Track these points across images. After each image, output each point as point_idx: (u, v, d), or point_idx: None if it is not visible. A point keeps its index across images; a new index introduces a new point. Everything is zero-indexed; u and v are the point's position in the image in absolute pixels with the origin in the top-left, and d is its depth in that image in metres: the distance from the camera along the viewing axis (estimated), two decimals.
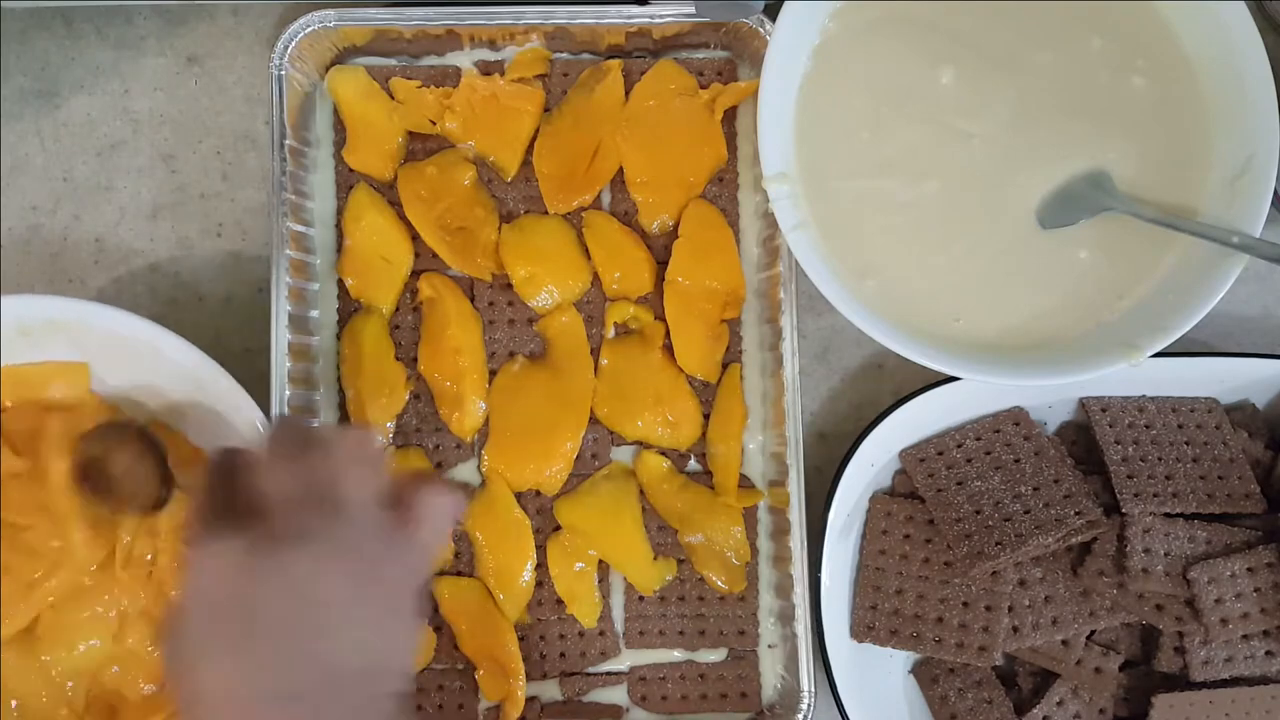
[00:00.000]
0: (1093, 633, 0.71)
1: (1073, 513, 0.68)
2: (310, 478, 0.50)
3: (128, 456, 0.63)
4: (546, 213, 0.73)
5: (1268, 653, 0.70)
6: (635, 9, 0.72)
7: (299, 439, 0.52)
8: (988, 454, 0.71)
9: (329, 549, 0.48)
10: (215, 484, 0.54)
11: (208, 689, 0.47)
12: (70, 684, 0.65)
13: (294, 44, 0.71)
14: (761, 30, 0.71)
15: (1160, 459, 0.70)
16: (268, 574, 0.47)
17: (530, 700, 0.70)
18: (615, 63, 0.73)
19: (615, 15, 0.72)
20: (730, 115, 0.74)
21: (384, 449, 0.53)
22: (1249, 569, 0.68)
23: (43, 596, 0.64)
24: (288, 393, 0.69)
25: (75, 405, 0.67)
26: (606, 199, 0.74)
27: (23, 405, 0.66)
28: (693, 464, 0.73)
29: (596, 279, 0.73)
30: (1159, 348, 0.65)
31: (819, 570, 0.69)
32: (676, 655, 0.72)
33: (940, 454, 0.72)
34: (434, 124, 0.73)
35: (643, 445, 0.73)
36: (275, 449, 0.52)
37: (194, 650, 0.47)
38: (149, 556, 0.66)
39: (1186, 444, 0.71)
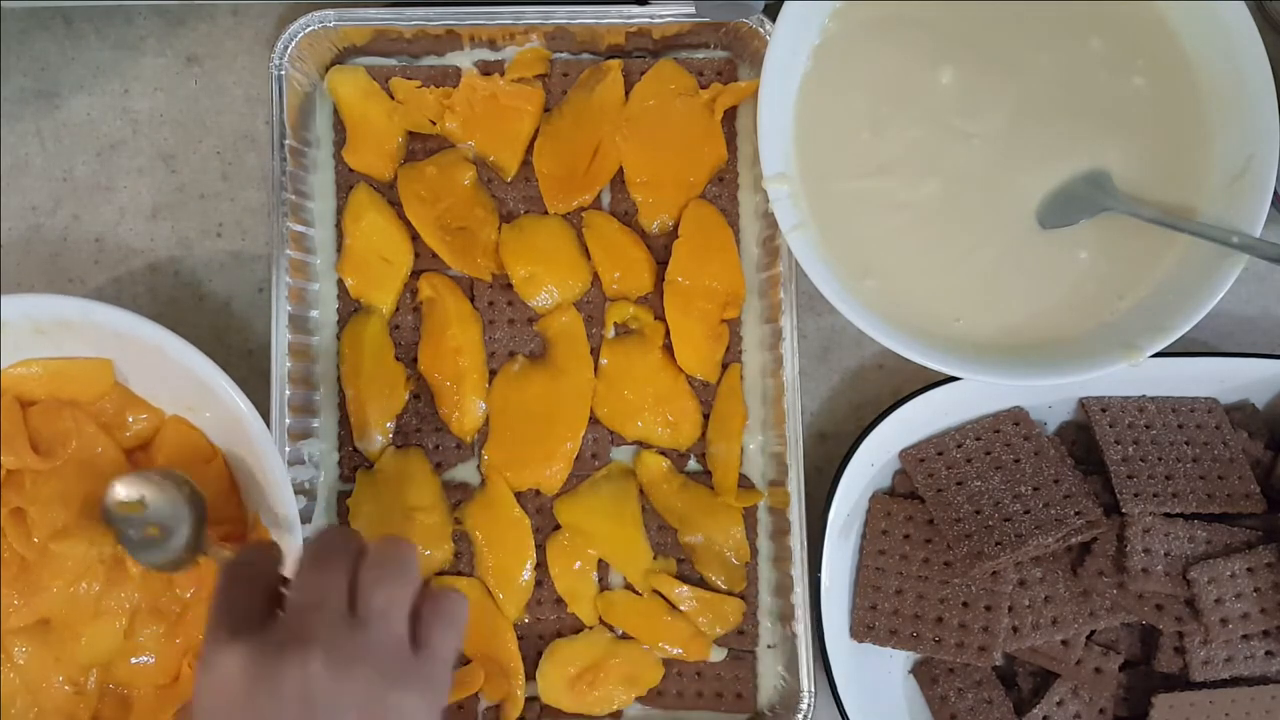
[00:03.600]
0: (1093, 633, 0.71)
1: (1073, 513, 0.68)
2: (336, 586, 0.50)
3: (166, 506, 0.61)
4: (546, 213, 0.73)
5: (1268, 653, 0.70)
6: (635, 9, 0.72)
7: (338, 547, 0.52)
8: (988, 454, 0.71)
9: (337, 657, 0.48)
10: (230, 587, 0.53)
11: None
12: (84, 677, 0.66)
13: (294, 44, 0.71)
14: (761, 30, 0.71)
15: (1160, 459, 0.70)
16: (272, 681, 0.47)
17: (530, 700, 0.70)
18: (615, 63, 0.73)
19: (615, 15, 0.72)
20: (730, 115, 0.74)
21: (418, 562, 0.53)
22: (1249, 569, 0.68)
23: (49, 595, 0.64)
24: (288, 393, 0.69)
25: (100, 399, 0.67)
26: (606, 199, 0.74)
27: (49, 403, 0.66)
28: (692, 464, 0.73)
29: (596, 279, 0.73)
30: (1159, 348, 0.65)
31: (819, 570, 0.69)
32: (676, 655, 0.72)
33: (940, 454, 0.72)
34: (434, 124, 0.73)
35: (643, 445, 0.73)
36: (310, 557, 0.52)
37: None
38: None
39: (1186, 444, 0.71)
